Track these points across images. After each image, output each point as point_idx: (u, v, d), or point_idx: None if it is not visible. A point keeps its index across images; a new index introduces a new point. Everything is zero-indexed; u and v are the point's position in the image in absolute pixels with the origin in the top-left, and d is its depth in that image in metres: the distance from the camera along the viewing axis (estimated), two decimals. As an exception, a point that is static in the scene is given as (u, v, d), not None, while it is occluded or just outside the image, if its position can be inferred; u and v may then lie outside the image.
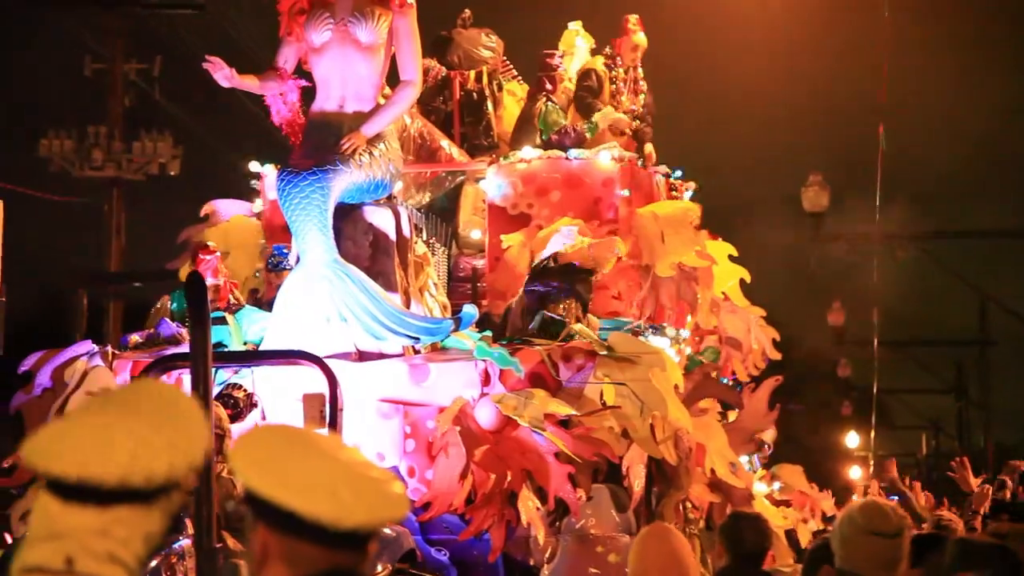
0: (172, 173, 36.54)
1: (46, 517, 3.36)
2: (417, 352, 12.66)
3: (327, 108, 13.24)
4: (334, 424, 11.44)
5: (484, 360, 12.28)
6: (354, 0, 13.18)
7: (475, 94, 16.10)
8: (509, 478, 11.87)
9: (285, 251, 13.49)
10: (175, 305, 13.73)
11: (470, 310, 12.98)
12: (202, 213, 15.19)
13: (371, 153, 13.00)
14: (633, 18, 16.46)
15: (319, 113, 13.29)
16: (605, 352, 12.39)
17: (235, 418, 11.94)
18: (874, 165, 31.94)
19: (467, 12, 16.30)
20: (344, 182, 12.80)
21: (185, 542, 10.49)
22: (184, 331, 13.16)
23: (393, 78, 13.71)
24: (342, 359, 12.37)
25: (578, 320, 12.92)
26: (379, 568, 11.16)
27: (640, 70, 16.53)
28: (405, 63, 13.37)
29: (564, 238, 13.53)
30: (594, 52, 16.30)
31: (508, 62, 16.49)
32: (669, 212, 15.22)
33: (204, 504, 8.15)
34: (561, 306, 12.97)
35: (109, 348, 13.03)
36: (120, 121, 36.59)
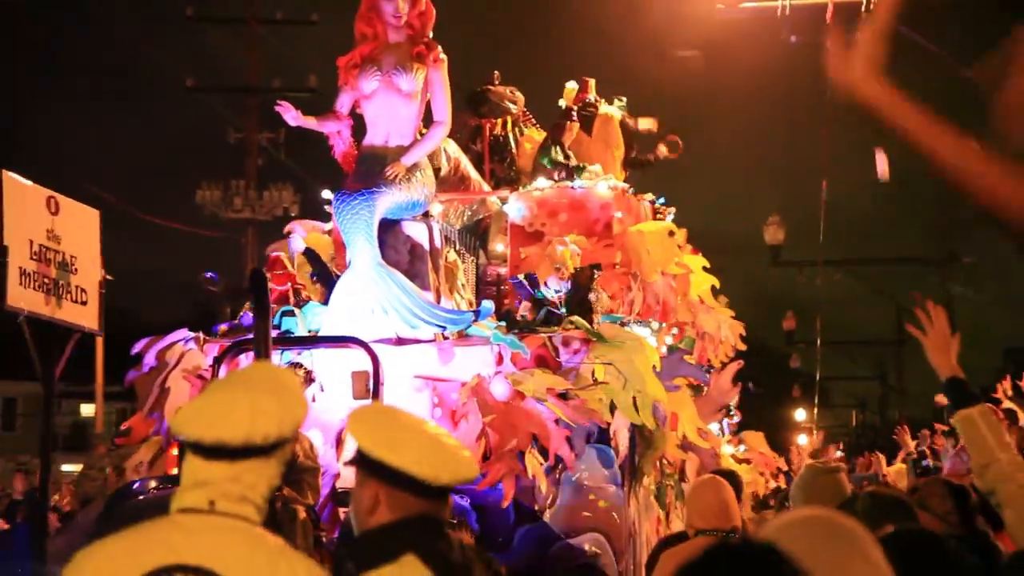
0: (293, 214, 35.91)
1: (192, 471, 3.46)
2: (446, 339, 11.44)
3: (375, 143, 12.09)
4: (376, 396, 10.46)
5: (498, 345, 11.20)
6: (397, 56, 12.05)
7: (501, 138, 14.97)
8: (517, 440, 10.79)
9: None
10: (256, 302, 12.53)
11: (487, 305, 11.91)
12: (284, 231, 13.94)
13: (410, 179, 11.85)
14: (592, 82, 15.29)
15: (368, 147, 12.14)
16: (597, 338, 11.26)
17: (295, 391, 10.72)
18: (819, 208, 30.94)
19: (496, 73, 15.14)
20: (387, 201, 11.67)
21: None
22: (262, 322, 12.04)
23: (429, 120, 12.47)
24: (385, 344, 11.21)
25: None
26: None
27: None
28: (438, 107, 12.22)
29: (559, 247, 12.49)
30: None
31: (528, 113, 15.30)
32: (654, 230, 14.12)
33: None
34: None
35: (201, 335, 11.86)
36: (255, 176, 36.61)
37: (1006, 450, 4.66)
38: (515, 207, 14.04)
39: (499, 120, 14.99)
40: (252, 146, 36.30)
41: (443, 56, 12.10)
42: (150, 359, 11.77)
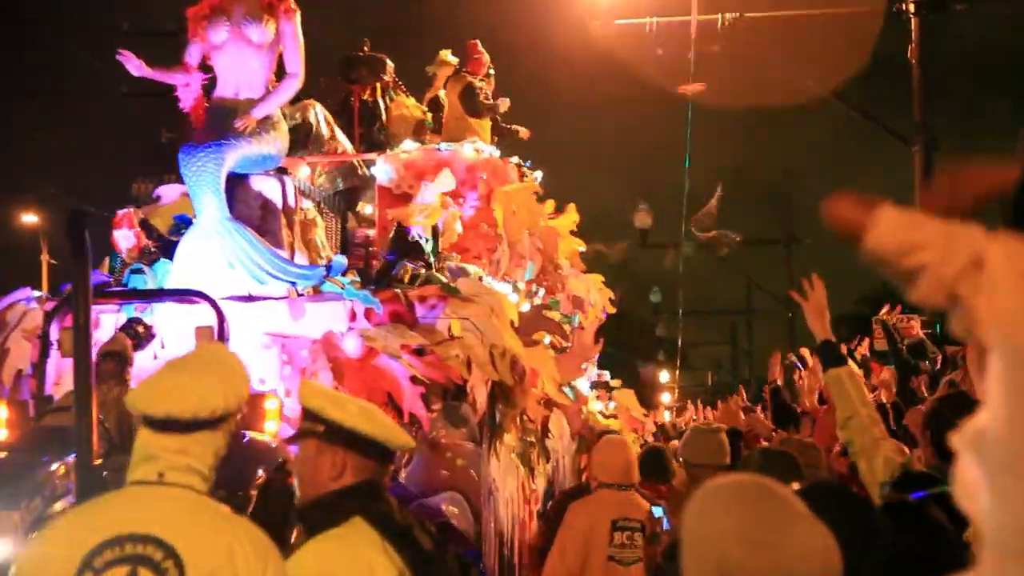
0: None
1: (143, 444, 3.28)
2: (300, 295, 9.13)
3: (225, 95, 9.72)
4: (220, 352, 8.01)
5: (351, 300, 8.93)
6: (246, 6, 9.68)
7: (371, 103, 12.59)
8: (370, 398, 8.39)
9: (188, 218, 9.86)
10: (112, 260, 10.11)
11: (339, 260, 9.65)
12: (153, 195, 11.49)
13: (261, 132, 9.53)
14: (478, 43, 12.98)
15: (218, 100, 9.75)
16: (453, 294, 9.10)
17: (136, 347, 8.43)
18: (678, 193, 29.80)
19: (366, 40, 12.82)
20: (236, 155, 9.38)
21: (69, 458, 6.98)
22: (111, 279, 9.66)
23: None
24: (235, 300, 8.88)
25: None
26: (259, 473, 7.67)
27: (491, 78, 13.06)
28: (290, 59, 9.82)
29: (427, 195, 10.28)
30: (456, 71, 12.81)
31: (398, 80, 12.94)
32: (519, 192, 11.91)
33: (83, 420, 4.75)
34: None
35: (43, 294, 9.47)
36: (185, 170, 33.46)
37: (866, 407, 4.54)
38: (383, 169, 11.81)
39: (368, 86, 12.62)
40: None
41: (295, 7, 9.77)
42: (-10, 320, 9.36)
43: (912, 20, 14.71)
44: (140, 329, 8.51)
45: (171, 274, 9.21)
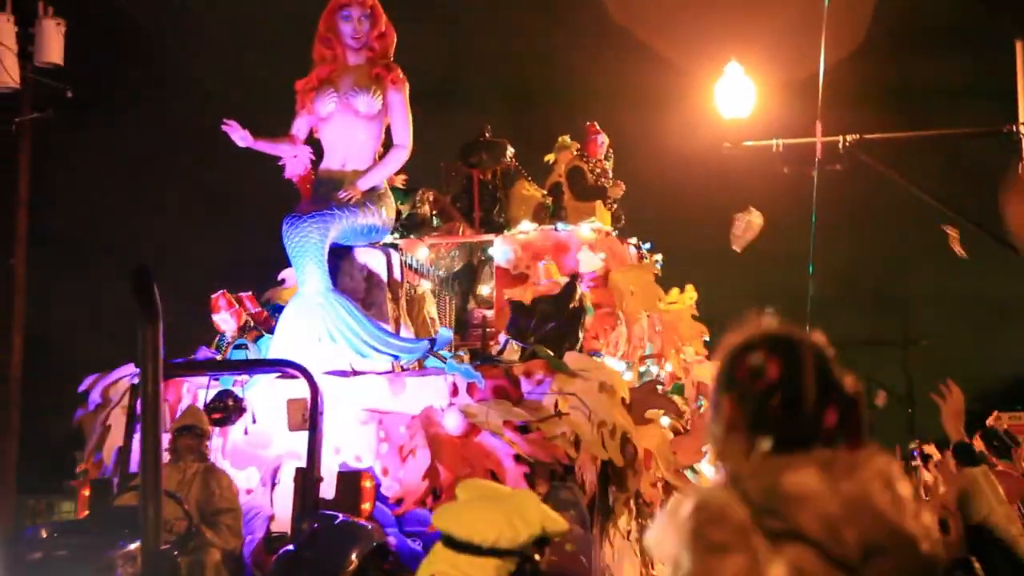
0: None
1: (435, 554, 3.39)
2: (403, 369, 8.21)
3: (332, 167, 8.97)
4: (314, 426, 7.14)
5: (453, 375, 7.98)
6: (354, 77, 8.98)
7: (490, 186, 11.70)
8: (473, 477, 7.37)
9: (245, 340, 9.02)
10: (219, 339, 9.34)
11: (445, 333, 8.69)
12: (279, 279, 10.73)
13: (366, 203, 8.70)
14: (595, 124, 12.10)
15: (325, 171, 9.01)
16: (560, 369, 8.12)
17: (224, 422, 7.60)
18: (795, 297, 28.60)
19: (487, 126, 11.98)
20: (340, 226, 8.57)
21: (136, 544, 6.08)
22: (218, 356, 8.90)
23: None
24: (335, 375, 8.02)
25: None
26: (352, 559, 6.68)
27: (609, 160, 12.13)
28: (397, 130, 9.06)
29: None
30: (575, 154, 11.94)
31: (519, 166, 12.07)
32: (637, 273, 10.88)
33: (151, 503, 3.85)
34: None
35: (147, 369, 8.70)
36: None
37: (1002, 504, 4.52)
38: (500, 250, 10.96)
39: (488, 171, 11.80)
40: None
41: (403, 77, 9.01)
42: (95, 396, 8.68)
43: (1023, 140, 13.90)
44: (230, 402, 7.70)
45: (272, 347, 8.40)
